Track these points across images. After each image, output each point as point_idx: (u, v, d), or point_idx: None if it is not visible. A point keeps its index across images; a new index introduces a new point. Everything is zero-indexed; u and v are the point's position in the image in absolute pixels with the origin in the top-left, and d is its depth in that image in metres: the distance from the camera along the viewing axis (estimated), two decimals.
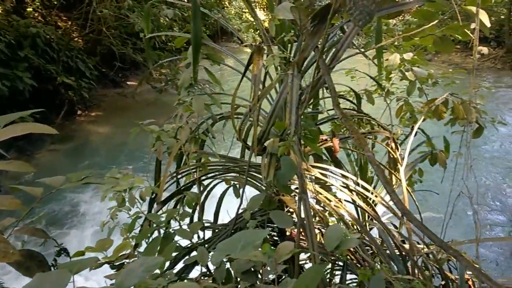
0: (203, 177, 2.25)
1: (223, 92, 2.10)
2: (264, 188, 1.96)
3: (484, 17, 1.26)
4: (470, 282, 1.82)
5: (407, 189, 2.27)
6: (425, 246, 1.87)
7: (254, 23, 1.67)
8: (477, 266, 1.46)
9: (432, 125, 2.73)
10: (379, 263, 1.64)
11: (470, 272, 1.89)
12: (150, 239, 1.84)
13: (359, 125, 2.76)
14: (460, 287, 1.69)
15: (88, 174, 1.59)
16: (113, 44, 10.38)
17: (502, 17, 18.60)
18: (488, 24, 1.30)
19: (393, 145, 2.51)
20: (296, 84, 1.25)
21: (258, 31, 1.53)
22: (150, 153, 2.11)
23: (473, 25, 1.23)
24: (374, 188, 3.07)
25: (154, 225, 1.86)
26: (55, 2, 10.36)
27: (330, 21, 1.23)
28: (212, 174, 2.28)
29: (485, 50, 1.92)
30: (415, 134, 2.66)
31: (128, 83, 12.81)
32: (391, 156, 2.56)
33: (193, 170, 2.24)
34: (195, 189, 2.22)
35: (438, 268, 1.81)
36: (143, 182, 1.98)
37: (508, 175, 7.55)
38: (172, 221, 1.97)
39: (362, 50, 2.22)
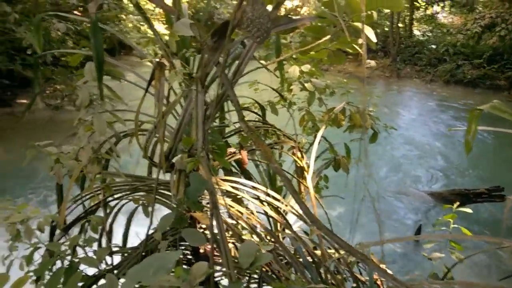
0: (110, 198, 2.14)
1: (125, 109, 2.02)
2: (174, 205, 1.91)
3: (370, 33, 1.37)
4: (379, 282, 1.94)
5: (315, 196, 2.38)
6: (335, 251, 1.96)
7: (153, 37, 1.63)
8: (383, 267, 1.56)
9: (333, 133, 2.90)
10: (293, 272, 1.68)
11: None
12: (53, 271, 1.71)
13: (266, 136, 2.83)
14: None
15: None
16: None
17: (386, 29, 20.50)
18: (374, 39, 1.41)
19: (298, 154, 2.62)
20: (201, 100, 1.24)
21: (158, 45, 1.50)
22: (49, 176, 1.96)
23: (360, 41, 1.33)
24: (284, 197, 3.17)
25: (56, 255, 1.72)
26: None
27: (230, 38, 1.24)
28: (119, 195, 2.18)
29: (373, 63, 2.10)
30: (319, 142, 2.81)
31: (18, 101, 11.74)
32: (298, 165, 2.67)
33: (98, 192, 2.11)
34: (101, 212, 2.10)
35: (349, 271, 1.91)
36: (38, 212, 1.84)
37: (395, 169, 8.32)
38: (78, 249, 1.84)
39: (263, 62, 2.29)
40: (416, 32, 22.22)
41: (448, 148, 9.91)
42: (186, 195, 1.52)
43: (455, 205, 2.44)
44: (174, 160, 1.61)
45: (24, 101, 11.88)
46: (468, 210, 2.44)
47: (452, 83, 16.97)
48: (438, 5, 21.76)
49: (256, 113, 2.83)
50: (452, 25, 21.73)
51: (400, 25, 20.87)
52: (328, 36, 1.56)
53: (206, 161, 1.25)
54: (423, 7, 21.35)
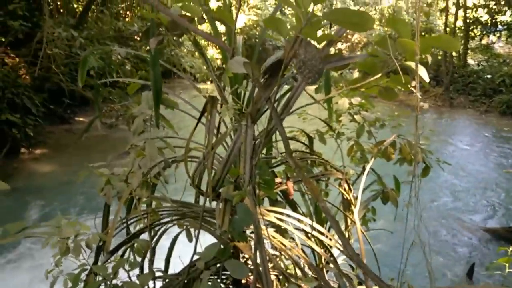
0: (156, 223, 2.20)
1: (176, 136, 2.09)
2: (218, 233, 1.93)
3: (423, 72, 1.35)
4: None
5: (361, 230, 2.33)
6: None
7: (205, 67, 1.69)
8: None
9: (382, 164, 2.84)
10: None
11: None
12: None
13: (312, 166, 2.82)
14: None
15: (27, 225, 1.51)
16: (62, 81, 10.15)
17: (440, 58, 20.01)
18: (427, 79, 1.39)
19: (346, 186, 2.58)
20: (250, 135, 1.26)
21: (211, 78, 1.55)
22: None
23: (413, 83, 1.32)
24: (329, 229, 3.12)
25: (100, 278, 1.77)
26: (3, 39, 10.05)
27: (282, 76, 1.27)
28: (166, 220, 2.23)
29: (426, 106, 2.05)
30: (367, 174, 2.76)
31: (76, 119, 12.44)
32: (345, 198, 2.62)
33: (144, 216, 2.17)
34: (145, 235, 2.15)
35: None
36: (89, 229, 1.90)
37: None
38: (121, 270, 1.89)
39: (313, 95, 2.30)
40: (470, 61, 21.53)
41: (507, 182, 9.38)
42: (231, 226, 1.54)
43: (511, 248, 2.31)
44: (221, 191, 1.64)
45: (82, 119, 12.57)
46: None
47: (508, 114, 16.19)
48: (494, 34, 21.03)
49: (303, 143, 2.83)
50: (509, 55, 20.89)
51: (454, 54, 20.31)
52: (379, 75, 1.55)
53: (252, 195, 1.26)
54: (478, 36, 20.69)
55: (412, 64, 1.45)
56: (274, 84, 1.28)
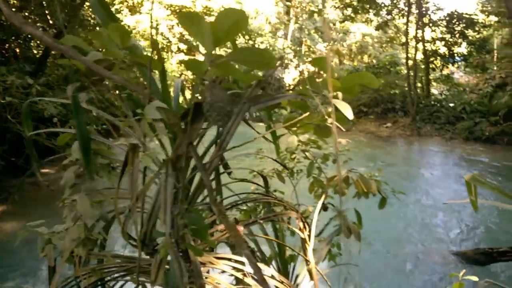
0: (108, 278, 2.06)
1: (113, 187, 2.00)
2: None
3: (345, 108, 1.34)
4: None
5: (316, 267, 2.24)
6: None
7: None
8: None
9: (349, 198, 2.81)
10: None
11: None
12: None
13: (271, 207, 2.76)
14: None
15: None
16: (21, 130, 9.87)
17: (406, 89, 20.72)
18: (351, 117, 1.38)
19: (301, 224, 2.51)
20: (170, 183, 1.20)
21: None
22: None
23: (329, 120, 1.29)
24: (294, 267, 3.03)
25: None
26: None
27: (203, 119, 1.23)
28: (116, 275, 2.10)
29: (343, 142, 2.06)
30: (326, 210, 2.72)
31: (42, 170, 12.05)
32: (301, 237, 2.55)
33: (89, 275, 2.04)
34: None
35: None
36: None
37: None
38: None
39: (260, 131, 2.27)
40: (434, 91, 22.38)
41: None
42: (166, 282, 1.44)
43: (461, 273, 2.30)
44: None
45: (49, 170, 12.19)
46: (474, 278, 2.27)
47: (471, 140, 16.81)
48: (453, 65, 22.06)
49: (258, 184, 2.78)
50: (468, 84, 21.86)
51: (418, 84, 21.07)
52: (308, 113, 1.54)
53: (174, 250, 1.18)
54: (439, 67, 21.64)
55: (339, 102, 1.44)
56: (197, 128, 1.23)
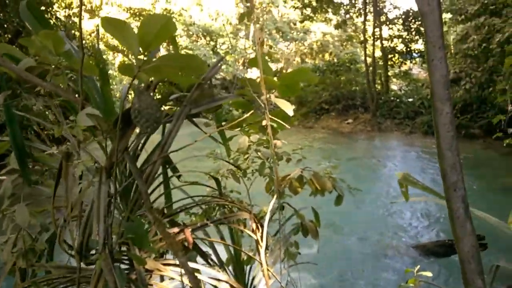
0: None
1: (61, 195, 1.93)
2: None
3: (285, 105, 1.35)
4: None
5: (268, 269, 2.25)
6: None
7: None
8: None
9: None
10: None
11: None
12: None
13: (226, 208, 2.75)
14: None
15: None
16: None
17: (366, 85, 21.18)
18: (291, 113, 1.39)
19: (254, 225, 2.51)
20: (104, 192, 1.17)
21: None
22: None
23: (264, 122, 1.30)
24: (250, 268, 3.03)
25: None
26: None
27: (132, 126, 1.20)
28: (61, 286, 2.03)
29: (279, 143, 2.10)
30: (282, 209, 2.73)
31: None
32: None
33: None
34: None
35: None
36: None
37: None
38: None
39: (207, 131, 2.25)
40: (394, 87, 22.99)
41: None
42: None
43: (416, 269, 2.36)
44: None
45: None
46: (428, 273, 2.35)
47: (430, 133, 17.37)
48: (411, 61, 22.76)
49: (210, 186, 2.76)
50: (426, 79, 22.56)
51: (378, 81, 21.61)
52: (251, 112, 1.54)
53: (107, 262, 1.15)
54: (397, 64, 22.26)
55: (279, 100, 1.45)
56: (128, 135, 1.21)
